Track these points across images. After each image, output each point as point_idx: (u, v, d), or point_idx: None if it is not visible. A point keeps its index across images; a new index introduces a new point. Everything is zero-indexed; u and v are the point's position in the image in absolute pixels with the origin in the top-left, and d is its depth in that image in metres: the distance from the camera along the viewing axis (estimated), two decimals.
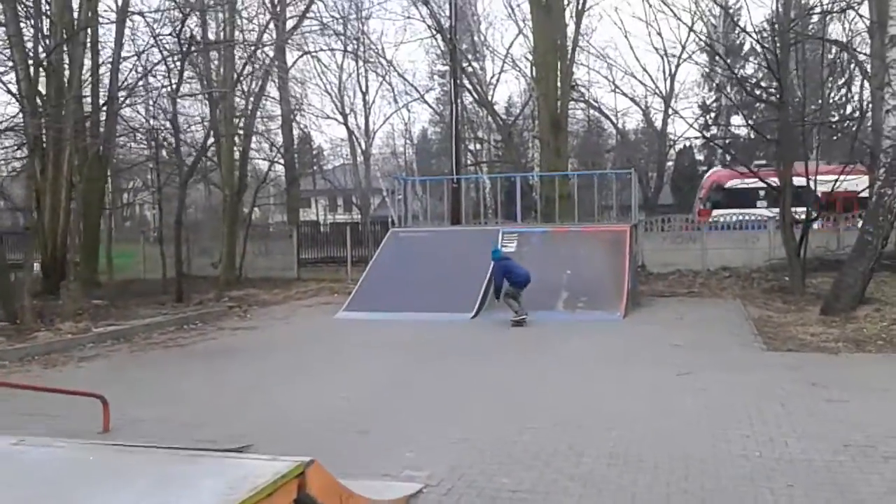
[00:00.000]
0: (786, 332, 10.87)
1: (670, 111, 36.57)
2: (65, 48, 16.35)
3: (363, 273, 16.06)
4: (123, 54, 17.84)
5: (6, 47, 16.23)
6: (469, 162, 34.26)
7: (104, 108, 18.19)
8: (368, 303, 14.29)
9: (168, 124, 18.49)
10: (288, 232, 25.46)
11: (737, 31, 32.81)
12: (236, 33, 21.75)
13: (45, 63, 16.30)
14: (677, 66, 36.66)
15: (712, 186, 26.20)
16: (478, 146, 37.61)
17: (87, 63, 18.08)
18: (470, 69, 30.89)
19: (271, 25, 23.78)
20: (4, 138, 18.26)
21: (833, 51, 19.95)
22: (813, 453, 5.30)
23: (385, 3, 58.78)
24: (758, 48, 21.60)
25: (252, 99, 22.67)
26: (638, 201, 19.92)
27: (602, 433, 5.91)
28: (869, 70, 19.40)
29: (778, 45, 16.15)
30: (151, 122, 20.60)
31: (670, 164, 39.97)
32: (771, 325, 11.56)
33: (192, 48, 17.37)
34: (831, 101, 28.91)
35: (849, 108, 31.31)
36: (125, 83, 17.70)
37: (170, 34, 16.58)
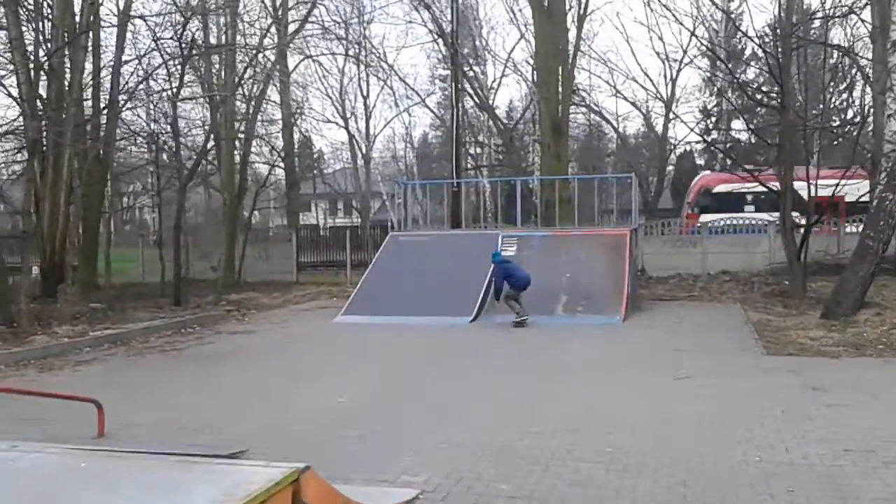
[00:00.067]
0: (786, 337, 10.82)
1: (671, 115, 36.55)
2: (66, 51, 16.34)
3: (362, 277, 16.03)
4: (124, 58, 17.83)
5: (7, 50, 16.24)
6: (470, 166, 34.26)
7: (105, 111, 18.18)
8: (367, 307, 14.25)
9: (168, 128, 18.47)
10: (287, 236, 25.45)
11: (738, 36, 32.88)
12: (238, 37, 21.78)
13: (45, 66, 16.29)
14: (678, 70, 36.63)
15: (700, 191, 26.20)
16: (478, 150, 37.64)
17: (89, 66, 18.10)
18: (471, 73, 30.94)
19: (273, 29, 23.80)
20: (4, 142, 18.26)
21: (835, 55, 19.96)
22: (814, 458, 5.26)
23: (387, 7, 58.91)
24: (759, 53, 21.63)
25: (253, 103, 22.67)
26: (638, 205, 19.90)
27: (601, 438, 5.86)
28: (870, 75, 19.36)
29: (780, 49, 16.13)
30: (152, 125, 20.62)
31: (671, 168, 39.96)
32: (771, 330, 11.51)
33: (193, 52, 17.35)
34: (832, 105, 28.89)
35: (850, 113, 31.28)
36: (126, 87, 17.69)
37: (171, 38, 16.58)
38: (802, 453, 5.37)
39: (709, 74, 34.72)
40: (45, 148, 16.04)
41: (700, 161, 39.92)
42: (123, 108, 18.33)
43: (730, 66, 25.93)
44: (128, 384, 8.80)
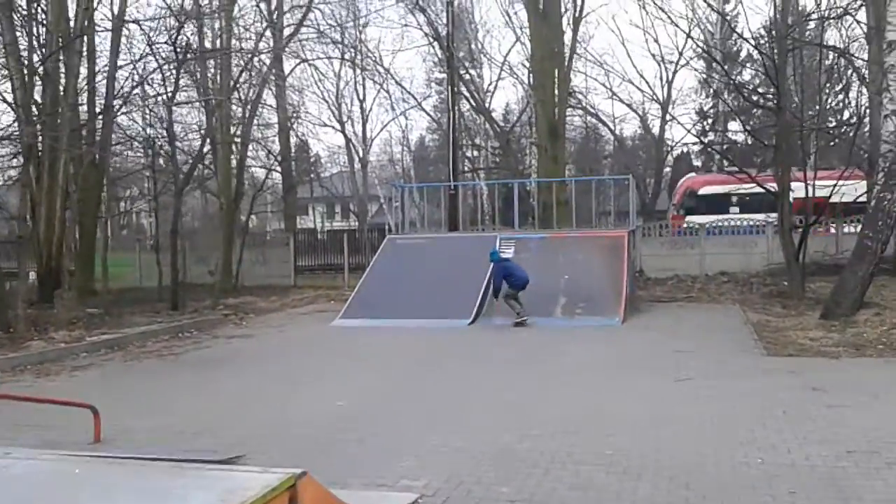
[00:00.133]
0: (786, 337, 10.79)
1: (668, 117, 36.56)
2: (61, 56, 16.29)
3: (360, 280, 15.98)
4: (119, 62, 17.79)
5: (1, 56, 16.18)
6: (467, 168, 34.23)
7: (100, 116, 18.12)
8: (365, 310, 14.19)
9: (164, 132, 18.42)
10: (285, 239, 25.38)
11: (734, 38, 32.88)
12: (233, 41, 21.74)
13: (40, 71, 16.24)
14: (674, 72, 36.66)
15: (685, 192, 26.22)
16: (475, 153, 37.58)
17: (84, 71, 18.04)
18: (467, 76, 30.90)
19: (268, 33, 23.76)
20: (1, 147, 18.19)
21: (830, 57, 19.94)
22: (816, 459, 5.22)
23: (382, 10, 58.95)
24: (755, 54, 21.66)
25: (249, 107, 22.62)
26: (636, 207, 19.88)
27: (601, 440, 5.82)
28: (866, 76, 19.36)
29: (775, 51, 16.11)
30: (148, 130, 20.56)
31: (668, 170, 39.93)
32: (770, 330, 11.49)
33: (188, 56, 17.31)
34: (829, 106, 28.89)
35: (846, 114, 31.30)
36: (121, 91, 17.64)
37: (165, 42, 16.53)
38: (804, 454, 5.33)
39: (705, 76, 34.75)
40: (40, 153, 15.98)
41: (697, 163, 39.94)
42: (119, 113, 18.27)
43: (726, 67, 25.90)
44: (125, 389, 8.75)
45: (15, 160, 17.99)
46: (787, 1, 17.64)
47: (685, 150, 39.23)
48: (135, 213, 41.11)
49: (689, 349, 10.11)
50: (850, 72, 24.47)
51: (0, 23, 15.57)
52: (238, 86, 21.72)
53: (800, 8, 22.11)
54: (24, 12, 16.33)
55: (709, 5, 29.21)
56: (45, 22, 16.81)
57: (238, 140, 22.95)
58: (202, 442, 6.19)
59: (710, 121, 38.57)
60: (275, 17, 24.64)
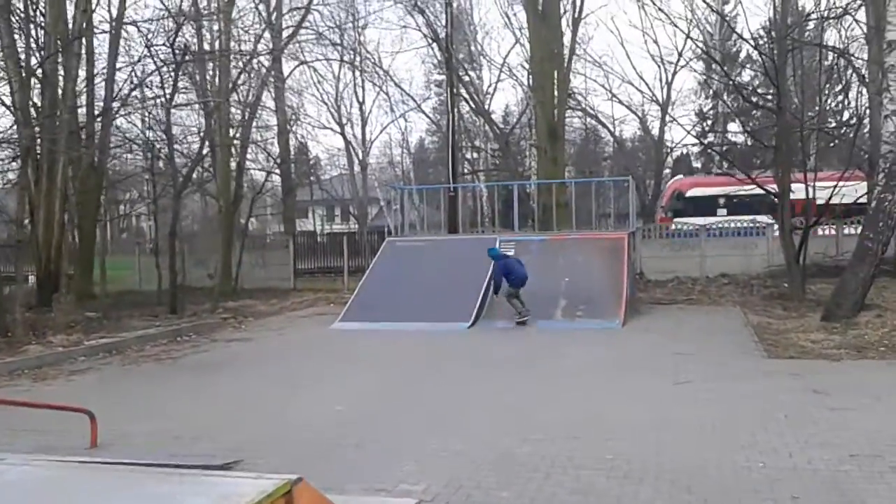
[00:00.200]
0: (787, 340, 10.75)
1: (667, 119, 36.53)
2: (59, 59, 16.27)
3: (359, 283, 15.94)
4: (118, 65, 17.77)
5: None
6: (466, 170, 34.21)
7: (99, 118, 18.10)
8: (364, 313, 14.15)
9: (163, 135, 18.39)
10: (284, 242, 25.33)
11: (734, 38, 32.86)
12: (231, 43, 21.70)
13: (38, 74, 16.22)
14: (674, 73, 36.65)
15: (673, 195, 26.23)
16: (475, 155, 37.59)
17: (82, 74, 18.02)
18: (467, 78, 30.90)
19: (267, 35, 23.73)
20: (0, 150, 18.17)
21: (830, 57, 19.93)
22: (818, 463, 5.18)
23: (381, 12, 58.95)
24: (755, 55, 21.63)
25: (248, 109, 22.58)
26: (635, 209, 19.85)
27: (602, 444, 5.78)
28: (866, 76, 19.34)
29: (775, 51, 16.08)
30: (147, 132, 20.52)
31: (668, 171, 39.92)
32: (771, 333, 11.44)
33: (186, 58, 17.28)
34: (828, 107, 28.87)
35: (846, 115, 31.28)
36: (119, 94, 17.61)
37: (163, 44, 16.51)
38: (807, 458, 5.29)
39: (704, 77, 34.73)
40: (38, 156, 15.95)
41: (697, 164, 39.94)
42: (117, 116, 18.25)
43: (725, 68, 25.89)
44: (122, 393, 8.70)
45: (14, 163, 17.97)
46: (786, 1, 17.65)
47: (685, 151, 39.24)
48: (134, 217, 41.09)
49: (689, 351, 10.06)
50: (849, 72, 24.42)
51: None
52: (237, 88, 21.69)
53: (799, 8, 22.14)
54: (22, 14, 16.28)
55: (708, 6, 29.21)
56: (43, 24, 16.80)
57: (237, 142, 22.91)
58: (200, 447, 6.14)
59: (709, 122, 38.56)
60: (273, 18, 24.62)
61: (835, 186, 15.61)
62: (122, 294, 20.26)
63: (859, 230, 13.82)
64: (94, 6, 17.57)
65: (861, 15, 18.06)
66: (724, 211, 23.61)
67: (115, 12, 18.59)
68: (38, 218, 16.24)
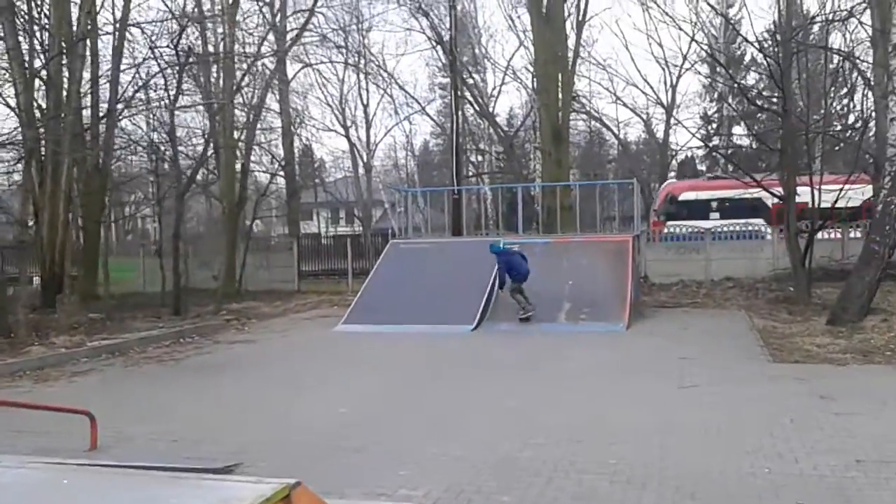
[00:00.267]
0: (792, 344, 10.68)
1: (672, 122, 36.49)
2: (63, 60, 16.28)
3: (363, 285, 15.90)
4: (122, 66, 17.77)
5: (4, 61, 16.19)
6: (471, 173, 34.19)
7: (103, 120, 18.11)
8: (368, 315, 14.11)
9: (167, 136, 18.40)
10: (288, 244, 25.33)
11: (738, 41, 32.81)
12: (236, 46, 21.73)
13: (43, 75, 16.23)
14: (679, 76, 36.59)
15: (666, 198, 26.17)
16: (479, 158, 37.58)
17: (86, 75, 18.05)
18: (471, 81, 30.89)
19: (271, 37, 23.75)
20: (4, 152, 18.20)
21: (835, 60, 19.91)
22: (824, 469, 5.12)
23: (385, 14, 59.02)
24: (759, 58, 21.57)
25: (252, 111, 22.60)
26: (640, 212, 19.79)
27: (605, 449, 5.72)
28: (872, 79, 19.27)
29: (780, 54, 16.02)
30: (153, 134, 20.54)
31: (672, 174, 39.88)
32: (776, 336, 11.36)
33: (190, 60, 17.29)
34: (834, 110, 28.80)
35: (851, 118, 31.19)
36: (123, 95, 17.63)
37: (167, 46, 16.52)
38: (812, 464, 5.22)
39: (709, 80, 34.69)
40: (43, 157, 15.97)
41: (702, 167, 39.85)
42: (121, 117, 18.26)
43: (730, 71, 25.85)
44: (124, 395, 8.67)
45: (19, 164, 18.00)
46: (791, 4, 17.59)
47: (690, 154, 39.19)
48: (140, 218, 41.17)
49: (694, 355, 10.00)
50: (855, 75, 24.38)
51: (3, 27, 15.58)
52: (241, 89, 21.70)
53: (804, 11, 22.08)
54: (26, 16, 16.30)
55: (713, 8, 29.23)
56: (47, 26, 16.82)
57: (242, 144, 22.92)
58: (201, 449, 6.11)
59: (714, 125, 38.50)
60: (277, 21, 24.64)
61: (840, 190, 15.55)
62: (126, 295, 20.24)
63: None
64: (98, 8, 17.60)
65: (866, 17, 18.00)
66: (717, 215, 23.65)
67: (119, 14, 18.61)
68: (42, 219, 16.25)
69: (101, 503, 2.88)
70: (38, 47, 16.65)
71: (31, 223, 16.20)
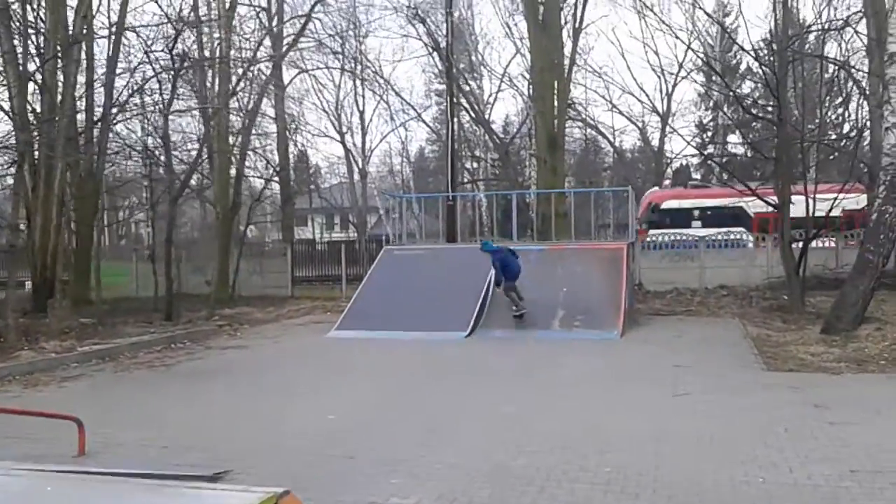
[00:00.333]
0: (786, 352, 10.65)
1: (667, 129, 36.58)
2: (58, 64, 16.22)
3: (356, 291, 15.84)
4: (117, 70, 17.73)
5: None
6: (466, 180, 34.17)
7: (98, 124, 18.05)
8: (361, 321, 14.05)
9: (161, 141, 18.35)
10: (282, 250, 25.25)
11: (734, 50, 32.92)
12: (232, 51, 21.69)
13: (37, 79, 16.16)
14: (674, 84, 36.75)
15: (648, 207, 26.22)
16: (475, 164, 37.58)
17: (81, 79, 17.97)
18: (467, 88, 30.91)
19: (267, 42, 23.72)
20: None
21: (831, 69, 19.96)
22: (818, 478, 5.08)
23: (381, 20, 59.10)
24: (755, 66, 21.63)
25: (247, 116, 22.54)
26: (635, 219, 19.79)
27: (598, 457, 5.68)
28: (867, 88, 19.34)
29: (776, 63, 16.05)
30: (147, 139, 20.48)
31: (667, 182, 39.95)
32: (771, 345, 11.34)
33: (185, 64, 17.24)
34: (829, 119, 28.89)
35: (846, 127, 31.30)
36: (118, 99, 17.57)
37: (162, 50, 16.46)
38: (807, 473, 5.19)
39: (705, 88, 34.79)
40: (36, 161, 15.88)
41: (697, 175, 39.92)
42: (116, 121, 18.19)
43: (726, 79, 25.90)
44: (114, 401, 8.60)
45: (12, 168, 17.92)
46: (787, 13, 17.63)
47: (685, 162, 39.24)
48: (133, 223, 41.04)
49: (688, 363, 9.96)
50: (850, 84, 24.50)
51: None
52: (236, 94, 21.65)
53: (800, 20, 22.16)
54: (21, 19, 16.23)
55: (709, 17, 29.31)
56: (42, 30, 16.76)
57: (236, 149, 22.86)
58: (191, 456, 6.04)
59: (709, 133, 38.61)
60: (274, 25, 24.62)
61: (834, 199, 15.56)
62: (118, 300, 20.15)
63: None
64: (94, 12, 17.54)
65: (862, 27, 18.06)
66: (699, 223, 23.75)
67: (114, 18, 18.57)
68: (34, 223, 16.15)
69: None
70: (32, 51, 16.56)
71: (23, 227, 16.08)
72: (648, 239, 23.01)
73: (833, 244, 19.98)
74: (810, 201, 15.47)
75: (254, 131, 23.55)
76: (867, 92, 19.24)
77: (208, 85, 21.98)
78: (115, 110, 17.48)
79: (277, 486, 3.00)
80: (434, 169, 44.41)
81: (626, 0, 42.08)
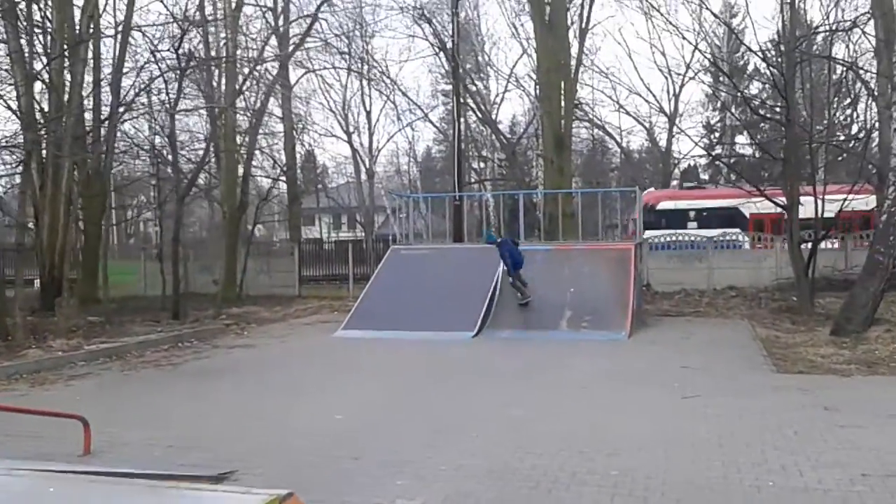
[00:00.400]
0: (795, 354, 10.58)
1: (675, 130, 36.47)
2: (65, 63, 16.25)
3: (363, 291, 15.81)
4: (123, 69, 17.74)
5: (6, 63, 16.16)
6: (473, 180, 34.14)
7: (105, 123, 18.08)
8: (368, 321, 14.02)
9: (167, 140, 18.36)
10: (290, 249, 25.26)
11: (742, 51, 32.80)
12: (238, 50, 21.70)
13: (45, 78, 16.19)
14: (682, 85, 36.62)
15: (644, 208, 26.18)
16: (481, 164, 37.54)
17: (88, 78, 18.02)
18: (474, 88, 30.89)
19: (273, 41, 23.72)
20: (6, 154, 18.17)
21: (839, 70, 19.85)
22: (829, 483, 5.02)
23: (388, 20, 59.00)
24: (763, 67, 21.53)
25: (254, 116, 22.55)
26: (631, 220, 19.74)
27: (606, 460, 5.63)
28: (875, 89, 19.20)
29: (784, 64, 15.96)
30: (154, 138, 20.51)
31: (675, 183, 39.83)
32: (780, 346, 11.27)
33: (191, 63, 17.25)
34: (837, 120, 28.73)
35: (854, 128, 31.13)
36: (125, 99, 17.59)
37: (168, 50, 16.48)
38: (817, 477, 5.12)
39: (712, 89, 34.64)
40: (44, 160, 15.92)
41: (704, 176, 39.82)
42: (123, 120, 18.22)
43: (733, 80, 25.79)
44: (120, 400, 8.59)
45: (20, 167, 17.97)
46: (795, 14, 17.50)
47: (692, 163, 39.13)
48: (142, 222, 41.16)
49: (696, 365, 9.90)
50: (858, 85, 24.31)
51: (5, 30, 15.56)
52: (242, 94, 21.66)
53: (808, 21, 22.02)
54: (28, 19, 16.28)
55: (716, 17, 29.19)
56: (49, 29, 16.79)
57: (243, 148, 22.87)
58: (195, 456, 6.02)
59: (717, 134, 38.47)
60: (280, 25, 24.63)
61: (844, 200, 15.47)
62: (126, 299, 20.18)
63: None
64: (100, 11, 17.57)
65: (870, 28, 17.97)
66: (695, 224, 23.75)
67: (121, 17, 18.60)
68: (42, 222, 16.19)
69: None
70: (39, 50, 16.61)
71: (31, 226, 16.13)
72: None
73: (840, 245, 19.87)
74: (819, 202, 15.39)
75: (261, 131, 23.58)
76: (875, 93, 19.09)
77: (215, 84, 22.00)
78: (121, 109, 17.52)
79: (280, 489, 2.97)
80: (441, 169, 44.38)
81: (632, 1, 41.96)
